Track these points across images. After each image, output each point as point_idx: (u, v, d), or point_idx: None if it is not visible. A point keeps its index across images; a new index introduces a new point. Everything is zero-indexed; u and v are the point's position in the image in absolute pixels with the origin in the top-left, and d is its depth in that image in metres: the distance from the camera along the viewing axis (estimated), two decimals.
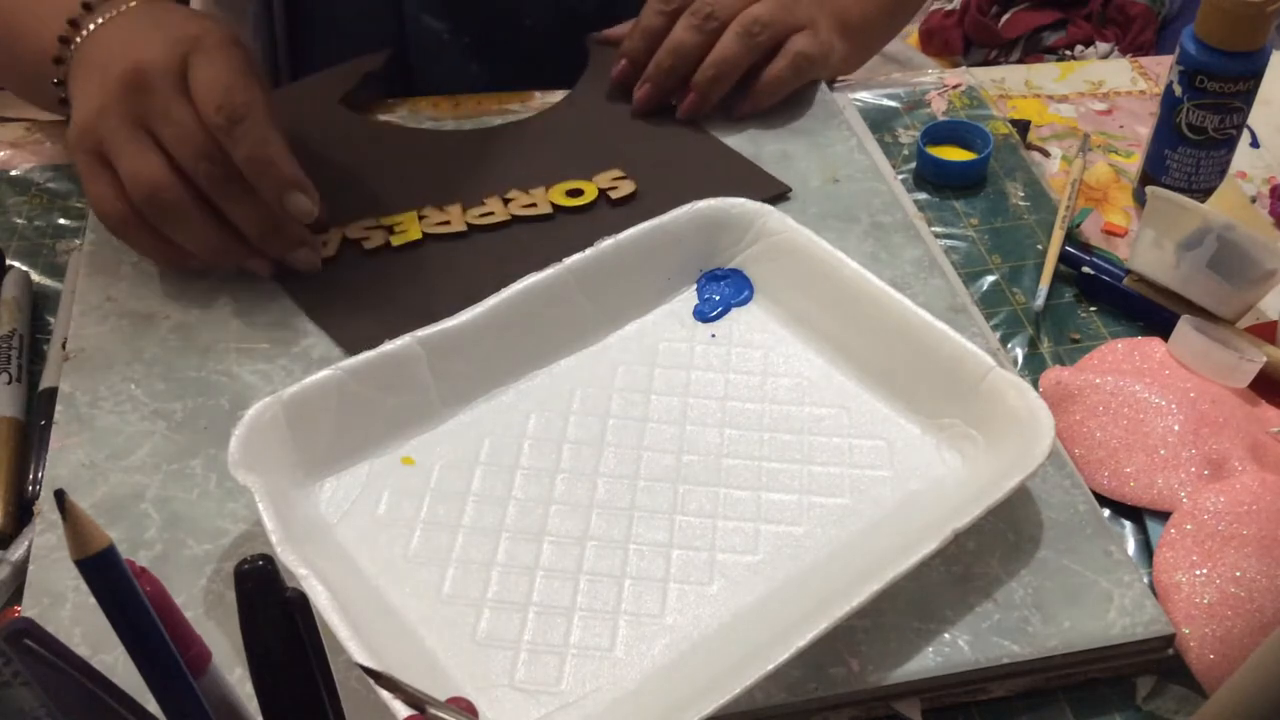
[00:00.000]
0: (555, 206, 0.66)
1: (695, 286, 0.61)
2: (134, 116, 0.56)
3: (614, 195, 0.67)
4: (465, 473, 0.52)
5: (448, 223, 0.64)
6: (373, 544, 0.49)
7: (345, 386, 0.51)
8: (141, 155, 0.56)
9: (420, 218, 0.64)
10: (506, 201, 0.66)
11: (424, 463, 0.52)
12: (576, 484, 0.52)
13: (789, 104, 0.74)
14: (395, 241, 0.63)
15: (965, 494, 0.49)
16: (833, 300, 0.57)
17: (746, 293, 0.60)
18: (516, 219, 0.65)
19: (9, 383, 0.56)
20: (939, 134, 0.74)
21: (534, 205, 0.66)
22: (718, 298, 0.60)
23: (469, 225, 0.64)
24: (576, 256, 0.57)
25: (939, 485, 0.51)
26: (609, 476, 0.52)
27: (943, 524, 0.46)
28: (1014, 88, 0.82)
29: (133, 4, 0.61)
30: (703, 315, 0.59)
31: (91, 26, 0.60)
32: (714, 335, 0.58)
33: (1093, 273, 0.64)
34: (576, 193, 0.67)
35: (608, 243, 0.58)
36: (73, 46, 0.60)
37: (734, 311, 0.60)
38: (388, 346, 0.52)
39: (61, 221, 0.67)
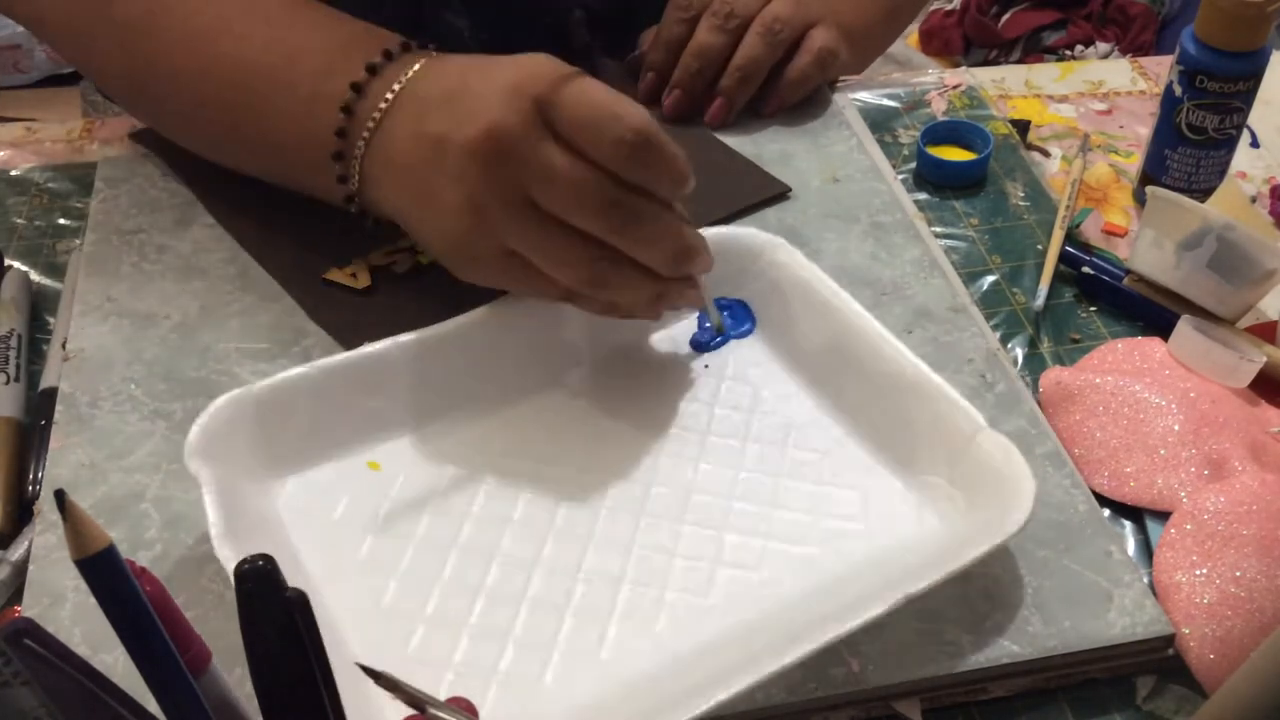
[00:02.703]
0: None
1: (697, 314, 0.59)
2: (511, 195, 0.49)
3: None
4: (427, 484, 0.51)
5: None
6: (323, 547, 0.48)
7: (319, 385, 0.51)
8: (549, 240, 0.49)
9: None
10: None
11: (389, 469, 0.52)
12: (537, 506, 0.51)
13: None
14: (423, 260, 0.62)
15: (934, 556, 0.47)
16: (831, 341, 0.55)
17: (748, 325, 0.59)
18: None
19: (7, 383, 0.56)
20: (939, 134, 0.74)
21: None
22: None
23: None
24: None
25: (910, 545, 0.49)
26: (571, 502, 0.51)
27: (903, 585, 0.44)
28: (1014, 88, 0.82)
29: (416, 68, 0.54)
30: (699, 344, 0.58)
31: (376, 115, 0.53)
32: (706, 366, 0.57)
33: (1093, 273, 0.64)
34: None
35: None
36: (360, 143, 0.54)
37: (732, 343, 0.58)
38: (366, 349, 0.52)
39: (61, 221, 0.67)
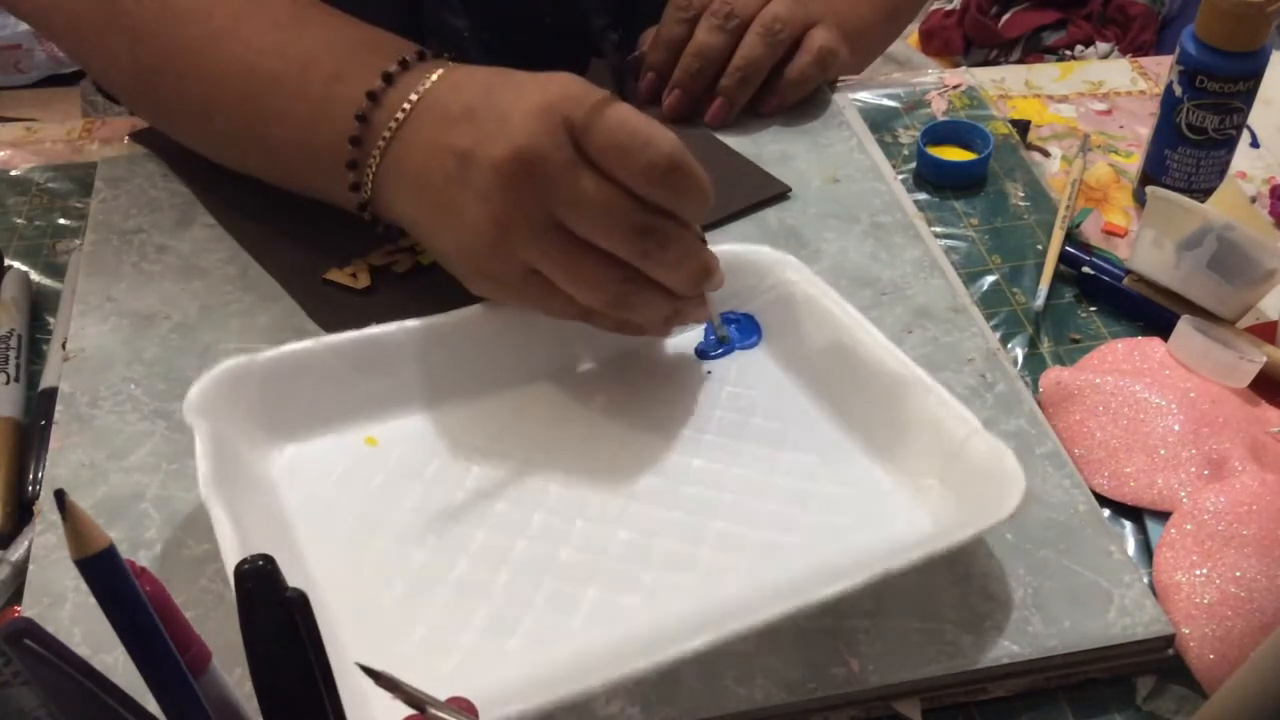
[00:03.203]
0: None
1: (705, 324, 0.58)
2: (538, 216, 0.48)
3: None
4: (422, 459, 0.52)
5: None
6: (313, 512, 0.49)
7: (324, 361, 0.52)
8: (575, 262, 0.49)
9: None
10: None
11: (386, 445, 0.53)
12: (526, 485, 0.51)
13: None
14: (423, 260, 0.62)
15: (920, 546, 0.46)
16: (832, 349, 0.55)
17: (754, 337, 0.58)
18: None
19: (7, 383, 0.56)
20: (939, 134, 0.74)
21: None
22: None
23: None
24: None
25: (901, 543, 0.49)
26: (562, 484, 0.51)
27: (883, 563, 0.44)
28: (1014, 88, 0.82)
29: (433, 78, 0.53)
30: (704, 353, 0.58)
31: (393, 125, 0.53)
32: (709, 372, 0.57)
33: (1093, 273, 0.64)
34: None
35: None
36: (375, 152, 0.53)
37: (736, 352, 0.58)
38: (373, 330, 0.53)
39: (61, 221, 0.67)
